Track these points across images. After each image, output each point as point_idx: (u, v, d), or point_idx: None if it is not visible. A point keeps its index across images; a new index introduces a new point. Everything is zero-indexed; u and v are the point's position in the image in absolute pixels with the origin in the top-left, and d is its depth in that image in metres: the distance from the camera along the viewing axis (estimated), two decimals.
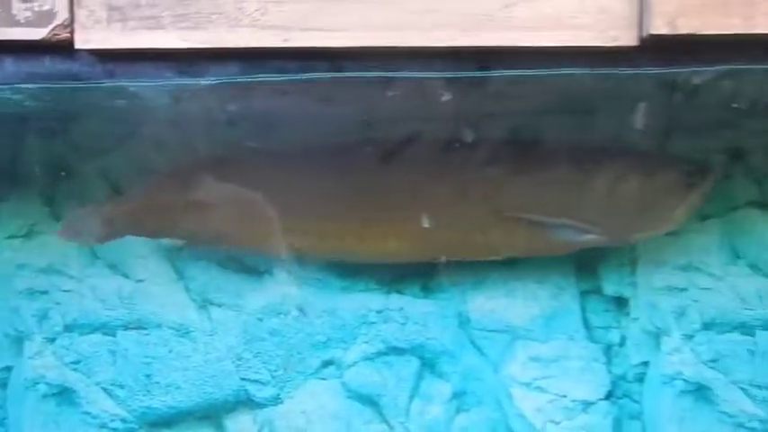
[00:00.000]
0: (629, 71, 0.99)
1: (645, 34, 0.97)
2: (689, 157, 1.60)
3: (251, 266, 1.68)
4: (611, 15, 0.98)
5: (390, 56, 0.98)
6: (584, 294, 1.71)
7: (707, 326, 1.67)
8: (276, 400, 1.69)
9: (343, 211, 1.59)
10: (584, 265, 1.71)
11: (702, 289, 1.67)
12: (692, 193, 1.57)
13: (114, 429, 1.67)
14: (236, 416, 1.68)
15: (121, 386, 1.66)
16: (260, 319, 1.68)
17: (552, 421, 1.71)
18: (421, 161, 1.56)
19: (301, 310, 1.62)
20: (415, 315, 1.71)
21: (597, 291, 1.72)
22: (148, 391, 1.66)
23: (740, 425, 1.66)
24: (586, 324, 1.72)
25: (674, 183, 1.56)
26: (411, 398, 1.70)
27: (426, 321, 1.71)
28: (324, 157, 1.56)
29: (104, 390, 1.66)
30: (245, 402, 1.68)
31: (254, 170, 1.60)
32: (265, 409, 1.68)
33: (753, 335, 1.67)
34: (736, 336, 1.67)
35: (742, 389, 1.67)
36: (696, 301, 1.67)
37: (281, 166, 1.57)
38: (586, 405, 1.71)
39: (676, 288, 1.68)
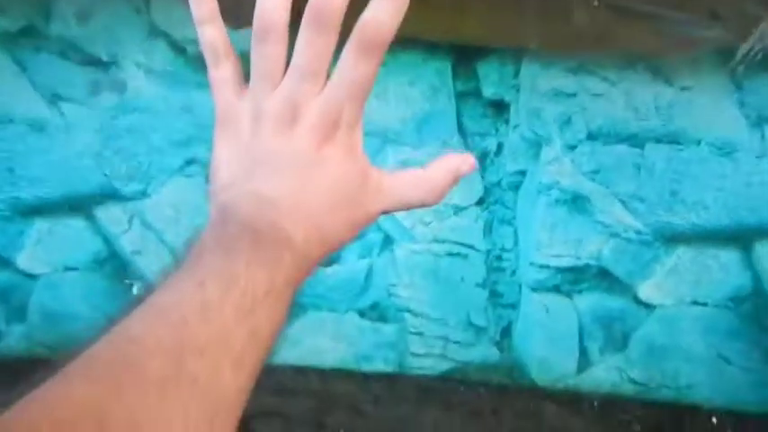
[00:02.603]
0: None
1: None
2: None
3: (96, 58, 1.48)
4: None
5: None
6: (460, 97, 1.44)
7: (592, 135, 1.46)
8: (143, 195, 1.63)
9: None
10: (462, 64, 1.42)
11: (593, 95, 1.43)
12: None
13: None
14: (105, 208, 1.63)
15: None
16: (114, 117, 1.53)
17: (422, 222, 1.60)
18: None
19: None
20: None
21: (475, 93, 1.44)
22: (14, 183, 1.59)
23: (615, 234, 1.52)
24: (462, 129, 1.49)
25: None
26: None
27: None
28: None
29: None
30: (111, 196, 1.61)
31: None
32: (133, 202, 1.64)
33: (642, 147, 1.45)
34: (623, 147, 1.46)
35: (622, 201, 1.50)
36: (584, 108, 1.44)
37: None
38: (457, 209, 1.57)
39: (563, 93, 1.43)
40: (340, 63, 0.46)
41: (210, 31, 0.49)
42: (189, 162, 1.54)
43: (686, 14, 1.20)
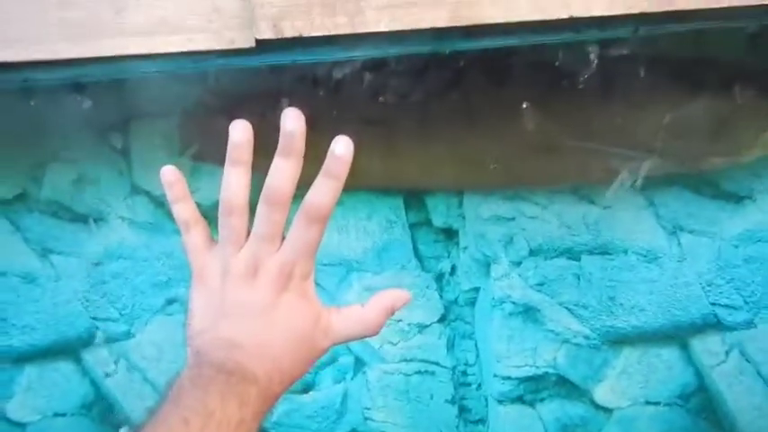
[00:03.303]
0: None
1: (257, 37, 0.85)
2: None
3: (84, 214, 1.64)
4: (225, 17, 0.84)
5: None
6: (413, 227, 1.61)
7: (534, 252, 1.63)
8: (128, 335, 1.74)
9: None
10: (413, 198, 1.59)
11: (529, 218, 1.62)
12: None
13: None
14: (92, 350, 1.73)
15: None
16: (99, 265, 1.67)
17: (390, 342, 1.72)
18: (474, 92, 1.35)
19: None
20: None
21: (427, 223, 1.62)
22: (6, 332, 1.69)
23: (566, 341, 1.67)
24: (418, 255, 1.65)
25: (752, 100, 1.29)
26: None
27: None
28: None
29: None
30: (99, 337, 1.72)
31: None
32: (119, 343, 1.73)
33: (578, 259, 1.63)
34: (562, 261, 1.64)
35: (568, 309, 1.66)
36: (523, 229, 1.63)
37: None
38: (421, 327, 1.71)
39: (504, 218, 1.63)
40: (292, 229, 0.58)
41: (181, 208, 0.61)
42: (170, 301, 1.66)
43: (624, 149, 1.38)
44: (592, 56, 1.10)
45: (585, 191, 1.53)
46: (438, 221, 1.62)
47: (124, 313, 1.66)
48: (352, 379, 1.72)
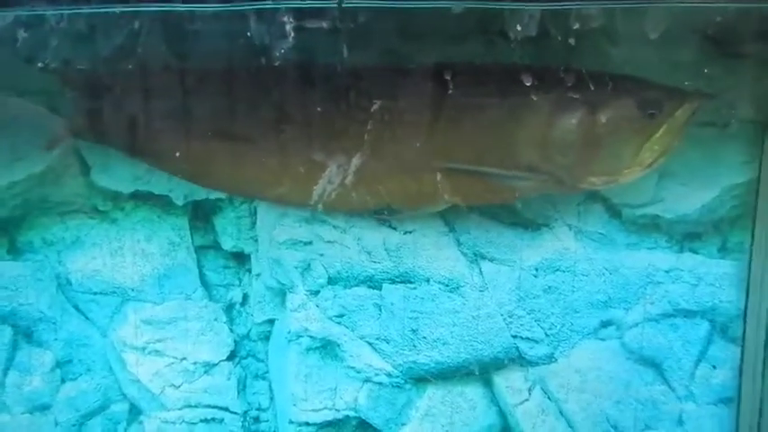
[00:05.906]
0: None
1: None
2: (654, 83, 1.24)
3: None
4: None
5: None
6: (200, 250, 1.47)
7: (332, 280, 1.53)
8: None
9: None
10: (199, 219, 1.45)
11: (327, 242, 1.53)
12: (657, 126, 1.22)
13: None
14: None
15: None
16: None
17: (172, 385, 1.50)
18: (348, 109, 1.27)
19: None
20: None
21: (215, 246, 1.49)
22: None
23: (368, 379, 1.55)
24: (204, 282, 1.50)
25: (631, 115, 1.22)
26: None
27: (18, 286, 1.46)
28: None
29: None
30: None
31: None
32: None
33: (379, 288, 1.55)
34: (362, 290, 1.55)
35: (369, 343, 1.54)
36: (321, 254, 1.53)
37: None
38: (208, 367, 1.52)
39: (300, 242, 1.52)
40: None
41: None
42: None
43: (507, 170, 1.32)
44: (288, 27, 1.04)
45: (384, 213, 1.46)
46: (227, 244, 1.48)
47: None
48: (125, 430, 1.49)
